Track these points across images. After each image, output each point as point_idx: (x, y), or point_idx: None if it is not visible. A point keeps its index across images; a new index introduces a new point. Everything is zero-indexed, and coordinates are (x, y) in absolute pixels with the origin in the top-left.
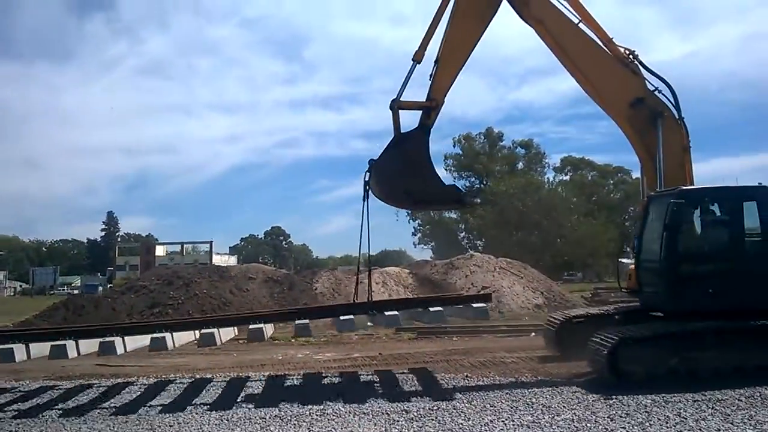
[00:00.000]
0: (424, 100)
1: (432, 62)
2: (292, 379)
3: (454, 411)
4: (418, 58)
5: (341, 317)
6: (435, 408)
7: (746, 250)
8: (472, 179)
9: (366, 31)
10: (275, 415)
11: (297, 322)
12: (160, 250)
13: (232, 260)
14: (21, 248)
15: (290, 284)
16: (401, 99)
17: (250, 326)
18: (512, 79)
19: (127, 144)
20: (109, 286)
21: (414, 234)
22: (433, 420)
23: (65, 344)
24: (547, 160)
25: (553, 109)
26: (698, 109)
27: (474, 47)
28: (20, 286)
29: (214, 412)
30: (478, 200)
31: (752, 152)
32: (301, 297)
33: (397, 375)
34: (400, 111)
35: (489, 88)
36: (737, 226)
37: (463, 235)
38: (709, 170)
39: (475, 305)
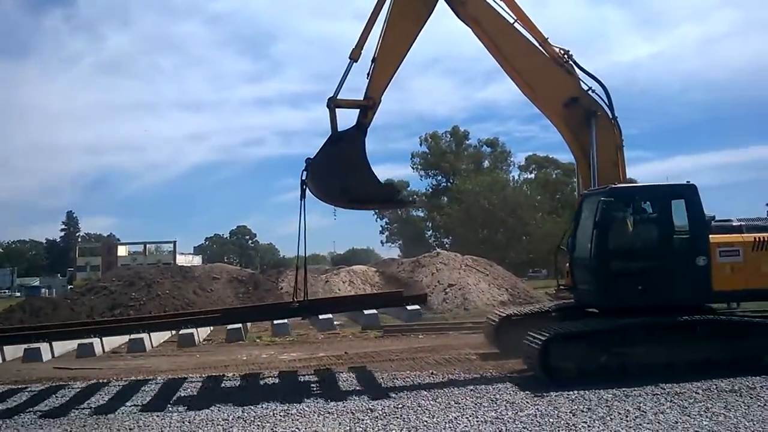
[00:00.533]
0: (362, 99)
1: (369, 60)
2: (255, 379)
3: (419, 408)
4: (354, 56)
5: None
6: (400, 406)
7: (674, 247)
8: (439, 177)
9: (332, 28)
10: (238, 417)
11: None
12: (122, 251)
13: (197, 260)
14: None
15: (255, 284)
16: (338, 97)
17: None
18: (478, 78)
19: (89, 143)
20: (69, 287)
21: (381, 232)
22: (398, 418)
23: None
24: (512, 159)
25: (518, 108)
26: (661, 108)
27: (410, 47)
28: None
29: (175, 413)
30: (415, 199)
31: (711, 150)
32: (267, 296)
33: (361, 374)
34: (337, 109)
35: (455, 86)
36: (666, 224)
37: (430, 233)
38: (669, 168)
39: (409, 307)
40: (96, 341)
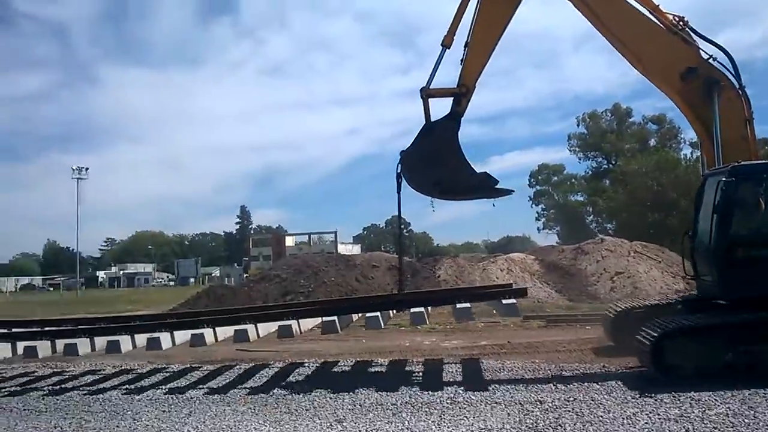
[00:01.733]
0: (455, 87)
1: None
2: (420, 365)
3: (592, 402)
4: (447, 43)
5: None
6: (571, 399)
7: None
8: (599, 159)
9: None
10: (406, 402)
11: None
12: (289, 241)
13: (356, 249)
14: (166, 243)
15: (413, 272)
16: (431, 87)
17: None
18: None
19: (255, 142)
20: (245, 275)
21: (538, 219)
22: (569, 411)
23: (203, 332)
24: (681, 136)
25: None
26: None
27: (504, 30)
28: (167, 276)
29: (346, 395)
30: (512, 190)
31: None
32: (425, 284)
33: (526, 363)
34: (431, 99)
35: (612, 62)
36: None
37: (591, 218)
38: None
39: (505, 301)
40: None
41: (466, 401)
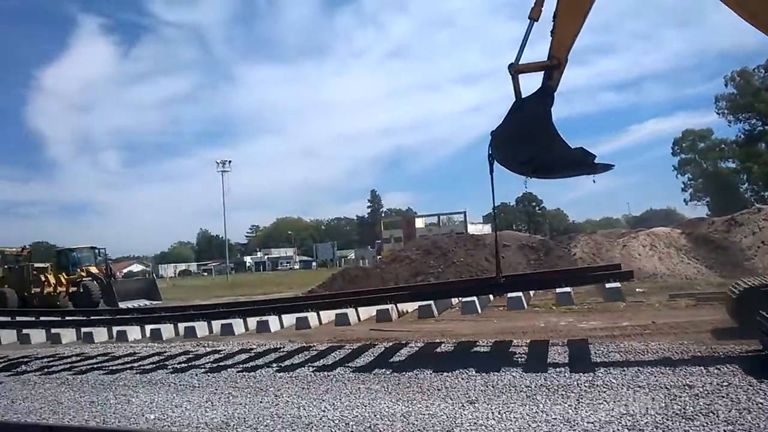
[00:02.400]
0: (545, 60)
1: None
2: (556, 347)
3: (750, 388)
4: (534, 15)
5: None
6: (725, 384)
7: None
8: (753, 121)
9: None
10: (541, 384)
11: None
12: (419, 222)
13: (486, 228)
14: (305, 228)
15: (546, 250)
16: (520, 62)
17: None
18: None
19: (382, 126)
20: (378, 257)
21: (684, 190)
22: (723, 397)
23: (347, 312)
24: None
25: None
26: None
27: None
28: (307, 259)
29: (478, 376)
30: (612, 164)
31: None
32: (559, 263)
33: (673, 345)
34: (520, 75)
35: None
36: None
37: (745, 186)
38: None
39: (608, 285)
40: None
41: (606, 384)
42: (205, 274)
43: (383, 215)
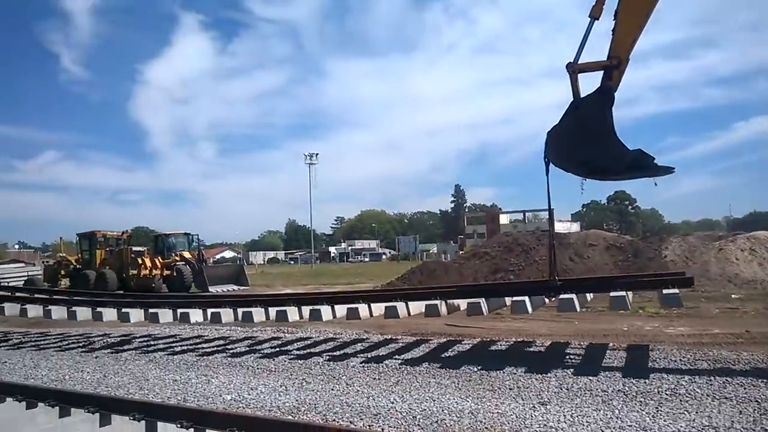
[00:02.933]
0: (605, 60)
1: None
2: (635, 351)
3: None
4: (595, 13)
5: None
6: None
7: None
8: None
9: None
10: (619, 390)
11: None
12: (503, 219)
13: (575, 227)
14: (388, 221)
15: (635, 251)
16: (579, 61)
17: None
18: None
19: (468, 121)
20: (460, 252)
21: None
22: None
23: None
24: None
25: None
26: None
27: None
28: (389, 252)
29: (552, 378)
30: (673, 168)
31: None
32: (649, 265)
33: (765, 356)
34: (579, 74)
35: None
36: None
37: None
38: None
39: (665, 291)
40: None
41: (689, 394)
42: (292, 262)
43: (467, 210)
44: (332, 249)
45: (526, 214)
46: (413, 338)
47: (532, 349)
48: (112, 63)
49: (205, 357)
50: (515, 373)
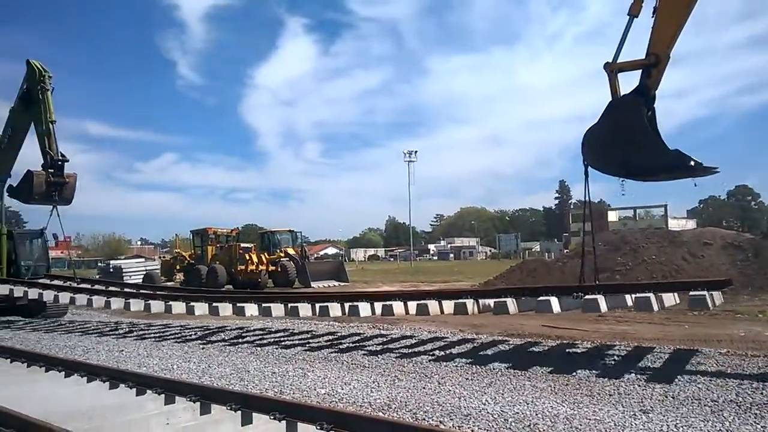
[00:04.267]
0: (644, 58)
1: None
2: (754, 359)
3: None
4: (634, 11)
5: None
6: None
7: None
8: None
9: None
10: (731, 400)
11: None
12: (612, 216)
13: (690, 224)
14: (488, 218)
15: (756, 250)
16: (618, 60)
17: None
18: None
19: (573, 113)
20: (565, 251)
21: None
22: None
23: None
24: None
25: None
26: None
27: None
28: (489, 251)
29: (657, 385)
30: (716, 168)
31: None
32: None
33: None
34: (619, 73)
35: None
36: None
37: None
38: None
39: (692, 293)
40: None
41: None
42: (391, 259)
43: (572, 207)
44: (431, 246)
45: (637, 210)
46: (512, 340)
47: (632, 353)
48: (223, 68)
49: (304, 351)
50: (616, 379)
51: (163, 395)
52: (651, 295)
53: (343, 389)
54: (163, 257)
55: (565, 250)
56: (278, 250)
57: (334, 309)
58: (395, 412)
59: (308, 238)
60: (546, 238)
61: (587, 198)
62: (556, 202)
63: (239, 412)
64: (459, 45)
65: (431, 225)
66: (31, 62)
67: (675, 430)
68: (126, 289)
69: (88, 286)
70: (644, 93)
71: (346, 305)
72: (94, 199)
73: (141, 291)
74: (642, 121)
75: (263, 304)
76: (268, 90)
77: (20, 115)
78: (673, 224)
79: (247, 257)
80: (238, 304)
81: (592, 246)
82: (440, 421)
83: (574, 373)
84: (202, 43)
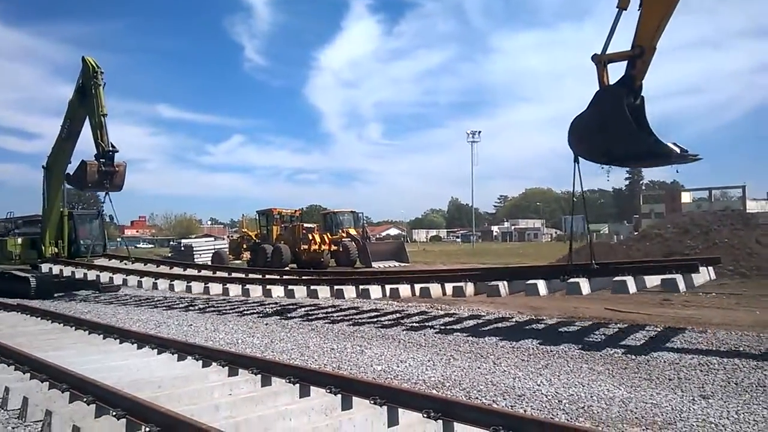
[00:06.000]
0: (630, 50)
1: None
2: None
3: None
4: (623, 4)
5: None
6: None
7: None
8: None
9: None
10: None
11: None
12: (686, 197)
13: None
14: (554, 199)
15: None
16: (606, 52)
17: None
18: None
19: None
20: (634, 233)
21: None
22: None
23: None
24: None
25: None
26: None
27: None
28: (555, 233)
29: (720, 371)
30: (697, 155)
31: None
32: None
33: None
34: (608, 64)
35: None
36: None
37: None
38: None
39: (665, 276)
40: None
41: None
42: (458, 240)
43: (643, 188)
44: (495, 228)
45: (713, 191)
46: (576, 322)
47: (698, 338)
48: (289, 50)
49: (361, 328)
50: (677, 363)
51: (227, 368)
52: (629, 278)
53: (398, 366)
54: (231, 237)
55: (635, 233)
56: (340, 231)
57: (404, 290)
58: (449, 390)
59: (371, 218)
60: (615, 220)
61: (581, 184)
62: (627, 182)
63: (297, 385)
64: (526, 21)
65: (495, 206)
66: (85, 59)
67: (735, 416)
68: (188, 271)
69: (149, 268)
70: (629, 83)
71: (417, 286)
72: (168, 180)
73: (203, 274)
74: (622, 110)
75: (335, 287)
76: (332, 71)
77: (76, 107)
78: (753, 206)
79: (310, 237)
80: (312, 287)
81: (587, 232)
82: (493, 401)
83: (633, 357)
84: (269, 26)
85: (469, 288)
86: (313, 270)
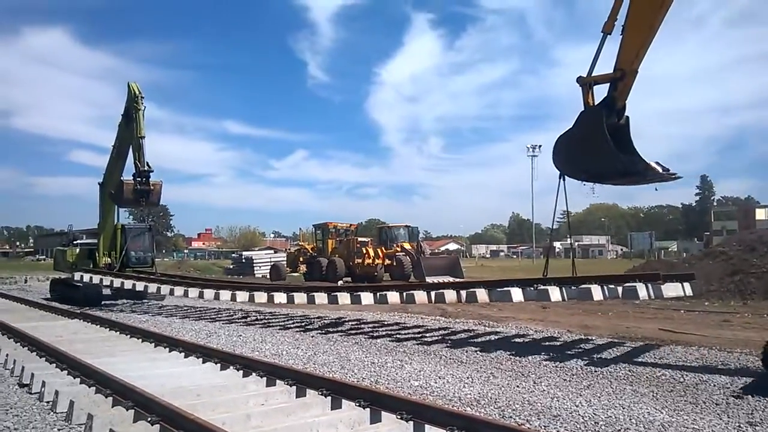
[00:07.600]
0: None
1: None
2: None
3: None
4: (607, 29)
5: None
6: None
7: None
8: None
9: None
10: None
11: None
12: (760, 213)
13: None
14: (620, 215)
15: None
16: (591, 74)
17: None
18: None
19: (719, 103)
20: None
21: None
22: None
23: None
24: None
25: None
26: None
27: (665, 12)
28: (621, 249)
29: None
30: (675, 174)
31: None
32: None
33: None
34: (593, 86)
35: None
36: None
37: None
38: None
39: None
40: None
41: None
42: (514, 256)
43: (715, 204)
44: (557, 244)
45: None
46: (627, 343)
47: (754, 361)
48: (351, 66)
49: (403, 343)
50: (728, 387)
51: (265, 378)
52: (594, 287)
53: (436, 383)
54: (290, 250)
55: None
56: (395, 245)
57: (449, 294)
58: (483, 408)
59: (430, 233)
60: (684, 237)
61: (565, 200)
62: (697, 198)
63: (329, 397)
64: (589, 34)
65: (558, 222)
66: (130, 84)
67: None
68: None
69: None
70: (610, 104)
71: (462, 293)
72: (234, 193)
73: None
74: (601, 130)
75: (378, 293)
76: (393, 86)
77: (123, 129)
78: None
79: (364, 251)
80: (355, 293)
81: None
82: (527, 420)
83: (681, 380)
84: (331, 43)
85: (481, 294)
86: (367, 284)
